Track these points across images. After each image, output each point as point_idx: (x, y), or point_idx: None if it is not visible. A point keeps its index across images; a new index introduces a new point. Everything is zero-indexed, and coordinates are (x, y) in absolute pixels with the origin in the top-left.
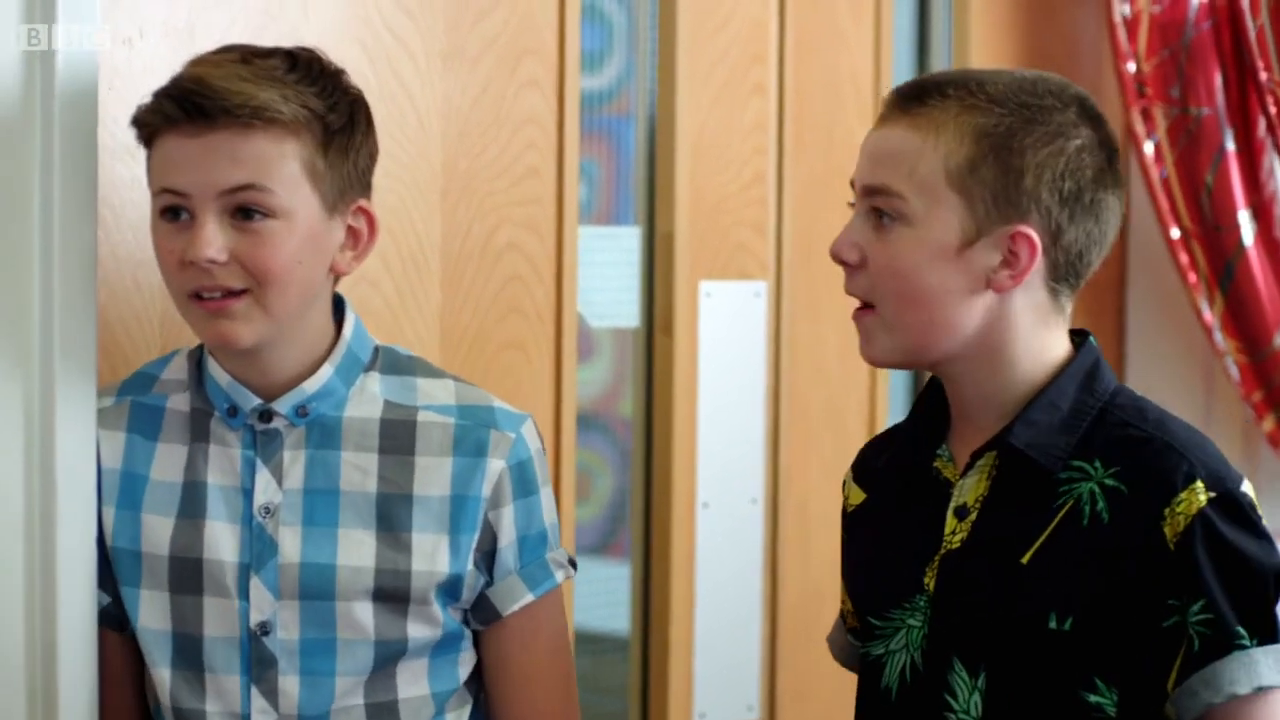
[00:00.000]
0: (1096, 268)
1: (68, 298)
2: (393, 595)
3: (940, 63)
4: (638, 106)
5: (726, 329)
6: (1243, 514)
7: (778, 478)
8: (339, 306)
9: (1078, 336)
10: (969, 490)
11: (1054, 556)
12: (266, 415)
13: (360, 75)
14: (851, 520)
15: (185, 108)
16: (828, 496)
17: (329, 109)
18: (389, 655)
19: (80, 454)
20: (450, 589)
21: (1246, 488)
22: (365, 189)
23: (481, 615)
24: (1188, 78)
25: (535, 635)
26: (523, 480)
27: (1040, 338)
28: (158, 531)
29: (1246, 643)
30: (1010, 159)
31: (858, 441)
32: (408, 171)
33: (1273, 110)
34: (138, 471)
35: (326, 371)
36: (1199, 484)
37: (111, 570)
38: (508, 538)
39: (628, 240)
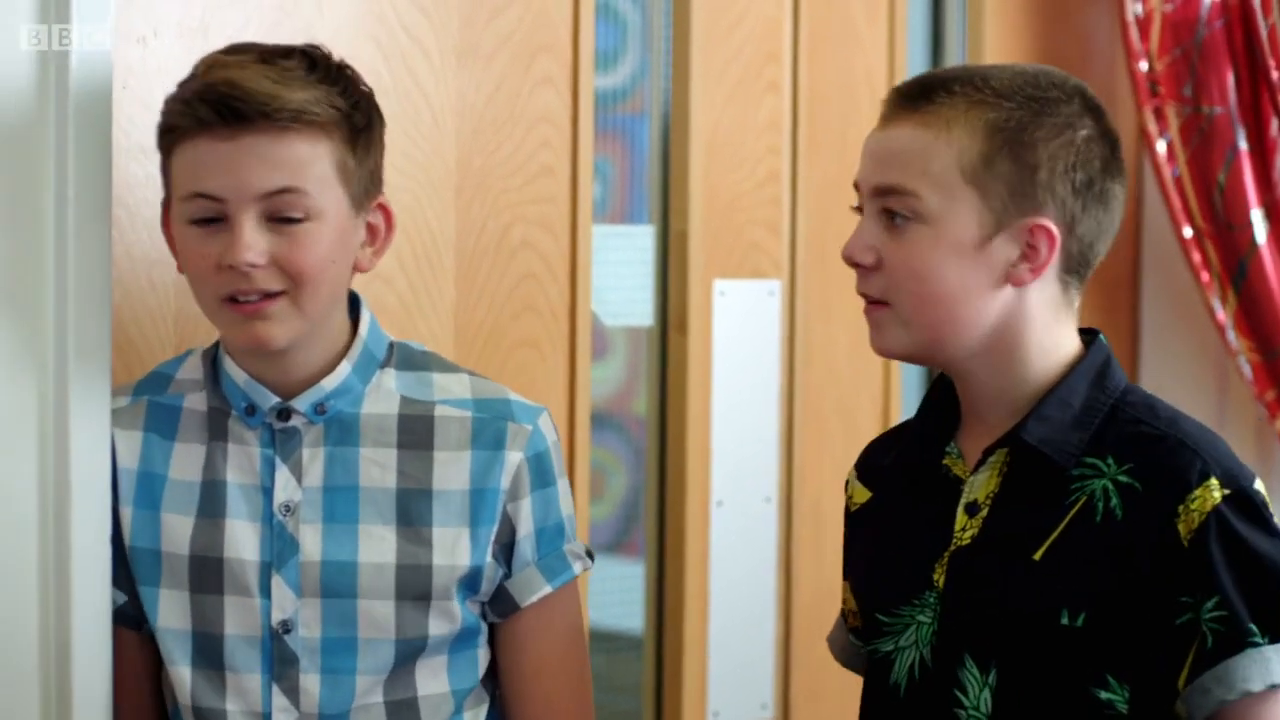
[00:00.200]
0: (1103, 258)
1: (82, 297)
2: (414, 591)
3: (954, 62)
4: (652, 105)
5: (740, 327)
6: (1256, 512)
7: (791, 476)
8: (354, 304)
9: (1087, 335)
10: (980, 487)
11: (1067, 553)
12: (284, 413)
13: (375, 72)
14: (856, 519)
15: (220, 111)
16: (841, 495)
17: (353, 108)
18: (409, 652)
19: (95, 453)
20: (470, 582)
21: (1259, 485)
22: (381, 185)
23: (499, 608)
24: (1200, 77)
25: (551, 627)
26: (540, 472)
27: (1053, 333)
28: (177, 531)
29: (1259, 640)
30: (1024, 152)
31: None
32: (422, 169)
33: None
34: (156, 471)
35: (344, 369)
36: (1213, 481)
37: (128, 569)
38: (526, 529)
39: (642, 239)
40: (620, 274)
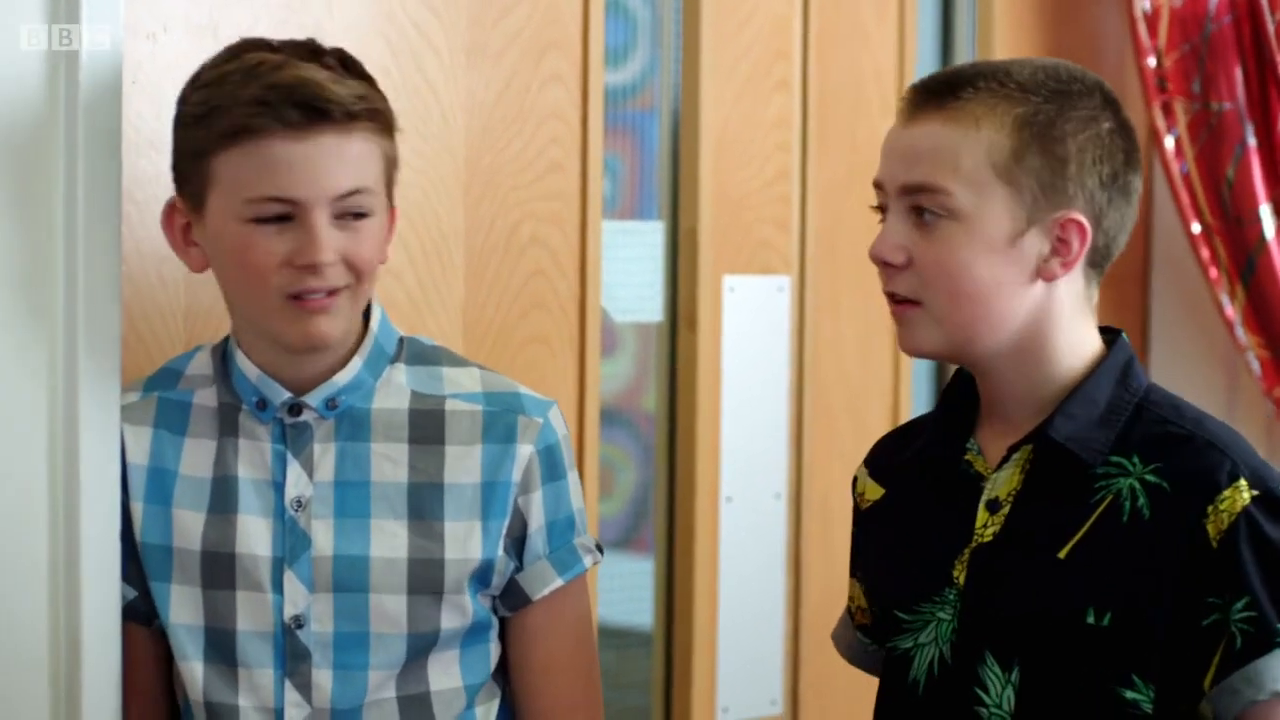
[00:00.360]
0: (1123, 250)
1: (92, 292)
2: (426, 585)
3: (964, 60)
4: (661, 101)
5: (749, 324)
6: None
7: (801, 472)
8: None
9: (1108, 334)
10: (1002, 484)
11: (1093, 551)
12: (296, 408)
13: (384, 70)
14: (868, 516)
15: (302, 110)
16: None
17: (386, 104)
18: (421, 647)
19: (104, 449)
20: (481, 576)
21: None
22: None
23: (510, 601)
24: (1208, 72)
25: (562, 620)
26: (551, 465)
27: (1078, 329)
28: (189, 526)
29: None
30: (1054, 146)
31: (881, 436)
32: (432, 166)
33: None
34: (167, 467)
35: (357, 364)
36: (1242, 482)
37: (139, 565)
38: (537, 522)
39: (651, 235)
40: (630, 270)
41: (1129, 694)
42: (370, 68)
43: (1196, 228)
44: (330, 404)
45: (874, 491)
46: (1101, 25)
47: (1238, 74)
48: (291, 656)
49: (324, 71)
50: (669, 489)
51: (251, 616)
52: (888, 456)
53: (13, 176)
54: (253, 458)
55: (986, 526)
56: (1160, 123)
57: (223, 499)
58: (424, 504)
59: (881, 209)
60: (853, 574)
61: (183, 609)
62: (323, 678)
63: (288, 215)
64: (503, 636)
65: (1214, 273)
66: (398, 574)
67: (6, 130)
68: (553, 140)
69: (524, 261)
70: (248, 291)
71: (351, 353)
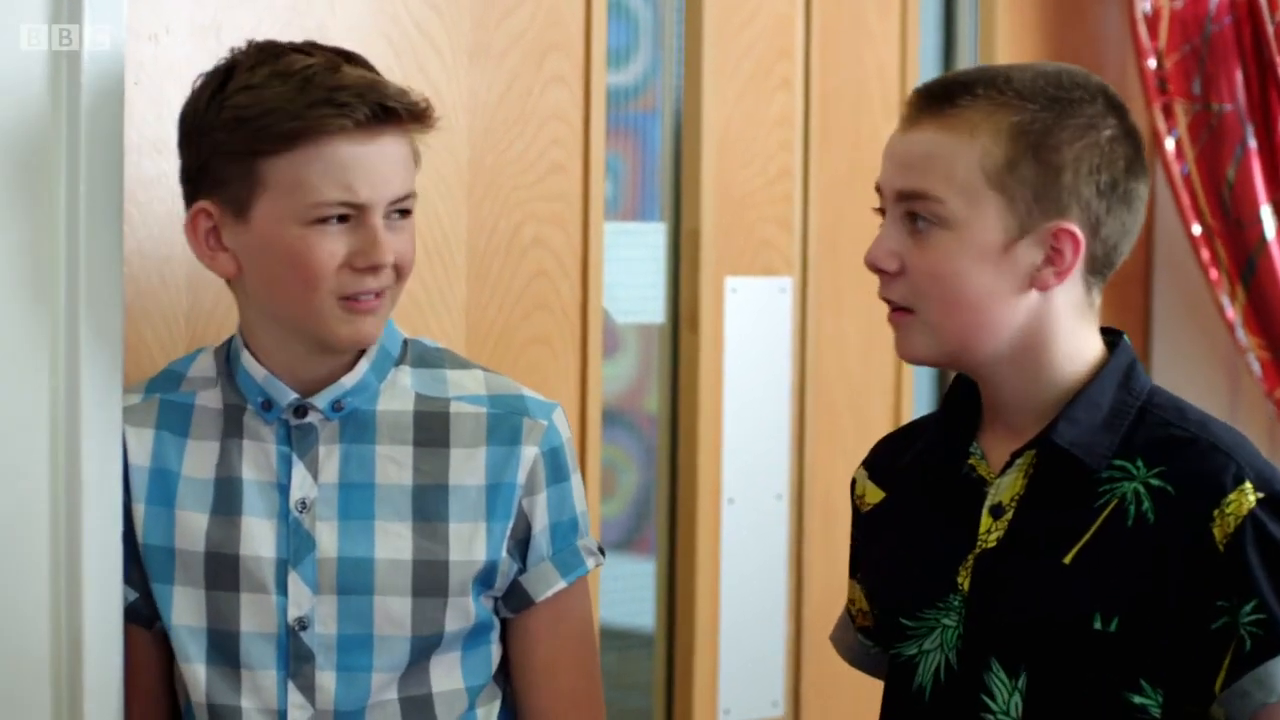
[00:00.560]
0: (1126, 258)
1: (94, 294)
2: (431, 587)
3: (966, 59)
4: (663, 102)
5: (752, 325)
6: None
7: (803, 473)
8: None
9: (1109, 335)
10: (1005, 489)
11: (1098, 556)
12: (301, 410)
13: (386, 71)
14: (869, 520)
15: (372, 109)
16: None
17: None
18: (424, 648)
19: (106, 451)
20: (485, 577)
21: None
22: None
23: (513, 603)
24: (1209, 73)
25: (565, 622)
26: (556, 467)
27: (1079, 335)
28: (192, 528)
29: None
30: (1049, 155)
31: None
32: (434, 167)
33: None
34: (169, 468)
35: (363, 366)
36: (1248, 485)
37: (140, 567)
38: (541, 524)
39: (653, 236)
40: (632, 271)
41: (1137, 699)
42: None
43: (1197, 229)
44: (336, 406)
45: (874, 494)
46: (1105, 26)
47: (1238, 75)
48: (295, 658)
49: (372, 73)
50: (671, 490)
51: (255, 618)
52: (888, 459)
53: (14, 178)
54: (257, 459)
55: (990, 532)
56: (1161, 124)
57: (227, 500)
58: (429, 506)
59: (882, 213)
60: (852, 575)
61: (185, 610)
62: (326, 679)
63: (346, 216)
64: (504, 638)
65: (1214, 274)
66: (402, 576)
67: (8, 131)
68: (555, 141)
69: (526, 263)
70: (298, 293)
71: (358, 355)
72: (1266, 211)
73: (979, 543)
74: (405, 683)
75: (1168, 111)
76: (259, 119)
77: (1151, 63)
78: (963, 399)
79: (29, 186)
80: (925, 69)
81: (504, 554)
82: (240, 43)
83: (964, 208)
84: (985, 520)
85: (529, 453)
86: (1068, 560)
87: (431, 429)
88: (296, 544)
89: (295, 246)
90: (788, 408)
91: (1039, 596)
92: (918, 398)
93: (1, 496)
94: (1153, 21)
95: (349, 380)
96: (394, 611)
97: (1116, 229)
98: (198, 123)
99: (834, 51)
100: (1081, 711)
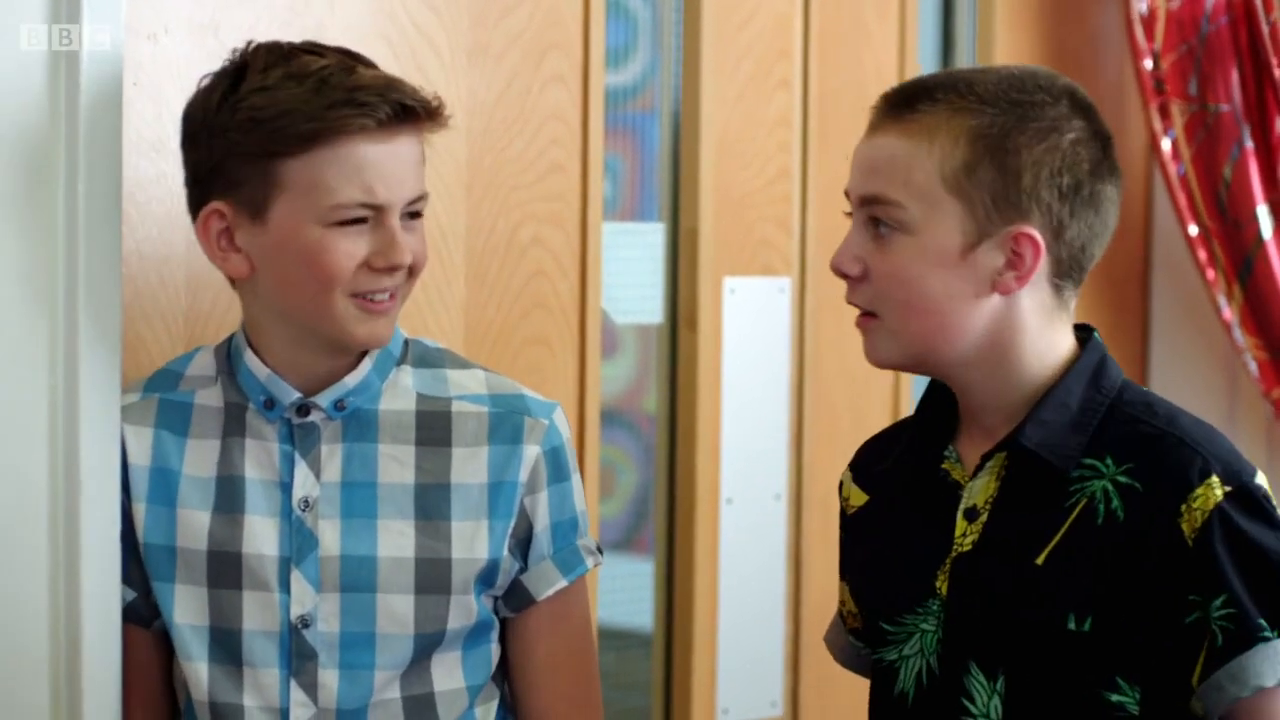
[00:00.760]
0: (1098, 260)
1: (93, 294)
2: (434, 585)
3: (964, 59)
4: (662, 102)
5: (750, 325)
6: (1259, 506)
7: (801, 473)
8: None
9: (1082, 332)
10: (978, 492)
11: (1069, 556)
12: (304, 409)
13: (385, 70)
14: (853, 523)
15: (393, 108)
16: None
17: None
18: (426, 646)
19: (105, 451)
20: (486, 576)
21: (1261, 479)
22: None
23: (514, 601)
24: (1205, 74)
25: (564, 621)
26: (556, 466)
27: (1046, 337)
28: (194, 527)
29: (1270, 635)
30: (1007, 159)
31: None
32: (432, 167)
33: None
34: (170, 467)
35: (365, 366)
36: (1214, 479)
37: (140, 566)
38: (542, 523)
39: (652, 236)
40: (630, 271)
41: (1115, 697)
42: None
43: (1194, 229)
44: (338, 405)
45: (858, 497)
46: (1104, 26)
47: (1234, 76)
48: (297, 656)
49: (385, 73)
50: (669, 490)
51: (258, 616)
52: (871, 462)
53: (13, 178)
54: (259, 458)
55: (966, 535)
56: (1157, 124)
57: (229, 499)
58: (431, 504)
59: (851, 217)
60: (842, 577)
61: (187, 609)
62: (329, 677)
63: (364, 218)
64: (503, 637)
65: (1211, 274)
66: (405, 574)
67: (7, 131)
68: (553, 141)
69: (525, 262)
70: (314, 294)
71: (361, 355)
72: (1263, 211)
73: (955, 546)
74: (407, 681)
75: (1164, 112)
76: (275, 120)
77: (1148, 63)
78: (940, 402)
79: (28, 187)
80: (924, 70)
81: (505, 552)
82: (239, 43)
83: (923, 213)
84: (960, 524)
85: (531, 452)
86: (1040, 561)
87: (433, 428)
88: (299, 542)
89: (314, 248)
90: (786, 408)
91: (1013, 599)
92: (916, 398)
93: (0, 496)
94: (1149, 22)
95: (352, 380)
96: (397, 609)
97: (1082, 231)
98: (209, 124)
99: (833, 52)
100: (1060, 712)
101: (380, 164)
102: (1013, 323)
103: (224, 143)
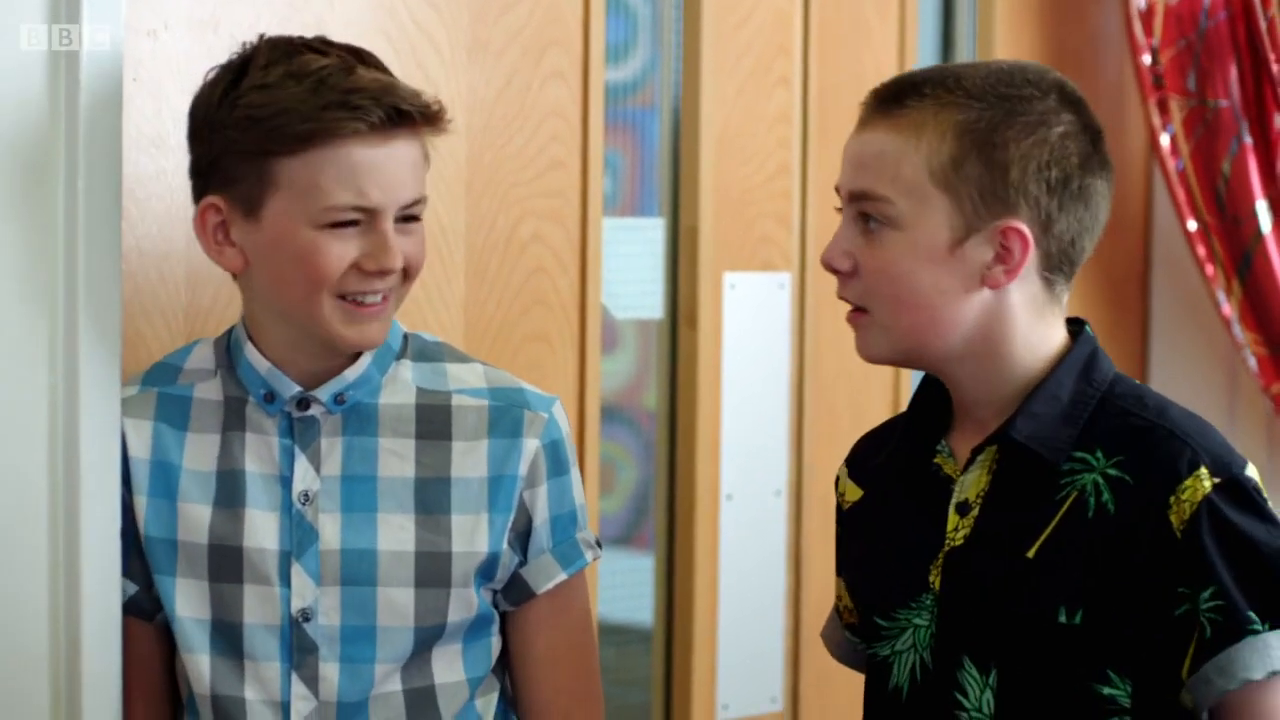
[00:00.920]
0: (1090, 254)
1: (93, 290)
2: (434, 578)
3: (964, 56)
4: (662, 99)
5: (751, 321)
6: (1248, 498)
7: (801, 469)
8: None
9: (1074, 326)
10: (970, 486)
11: (1060, 549)
12: (304, 403)
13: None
14: (849, 518)
15: (387, 112)
16: None
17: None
18: (427, 640)
19: (105, 446)
20: (487, 569)
21: (1251, 471)
22: None
23: (514, 595)
24: (1204, 69)
25: (564, 614)
26: (556, 459)
27: (1037, 331)
28: (195, 520)
29: (1259, 627)
30: (994, 153)
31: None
32: (432, 164)
33: None
34: (170, 461)
35: (365, 360)
36: (1203, 470)
37: (142, 559)
38: (541, 517)
39: (652, 232)
40: (630, 267)
41: (1106, 690)
42: None
43: (1193, 225)
44: (338, 399)
45: (853, 492)
46: (1103, 22)
47: (1233, 71)
48: (298, 649)
49: (386, 75)
50: (669, 486)
51: (259, 610)
52: (866, 457)
53: (14, 177)
54: (260, 452)
55: (958, 529)
56: (1156, 120)
57: (229, 493)
58: (431, 498)
59: (841, 213)
60: (839, 573)
61: (189, 602)
62: (329, 670)
63: (357, 220)
64: (503, 631)
65: (1210, 270)
66: (405, 567)
67: (7, 130)
68: (553, 137)
69: (525, 258)
70: (303, 293)
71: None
72: (1262, 207)
73: (947, 541)
74: (408, 674)
75: (1163, 107)
76: (272, 119)
77: (1146, 59)
78: (933, 396)
79: (28, 186)
80: (924, 66)
81: (505, 546)
82: (239, 39)
83: (911, 208)
84: (952, 518)
85: (530, 445)
86: (1031, 555)
87: (433, 422)
88: (299, 536)
89: (306, 248)
90: (786, 403)
91: (1004, 593)
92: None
93: (0, 492)
94: (1147, 17)
95: (351, 374)
96: (397, 603)
97: (1072, 225)
98: (209, 118)
99: (832, 48)
100: (1051, 705)
101: (374, 167)
102: (1003, 316)
103: (222, 139)
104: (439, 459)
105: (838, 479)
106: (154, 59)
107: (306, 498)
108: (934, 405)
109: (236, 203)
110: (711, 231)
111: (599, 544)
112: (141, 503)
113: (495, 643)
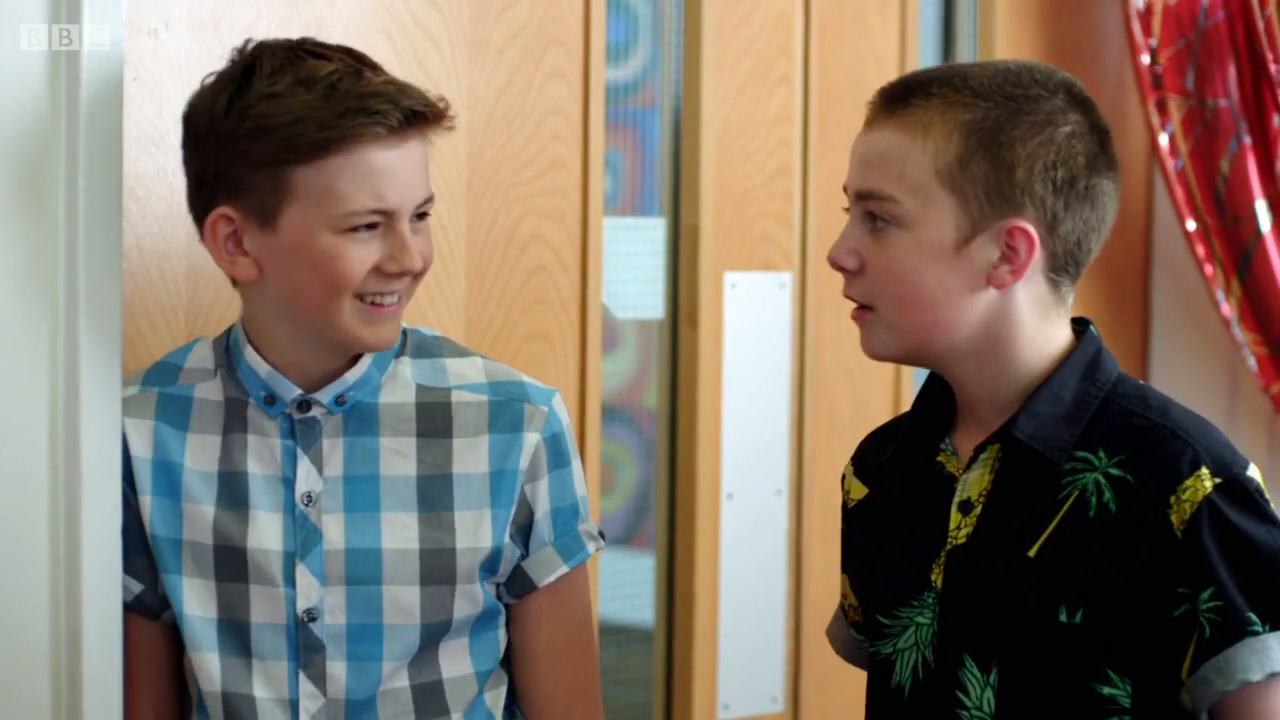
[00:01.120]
0: (1096, 254)
1: (93, 289)
2: (438, 575)
3: (965, 55)
4: (663, 98)
5: (751, 320)
6: (1249, 499)
7: (802, 469)
8: None
9: (1078, 325)
10: (972, 484)
11: (1062, 549)
12: (304, 405)
13: (385, 66)
14: (854, 515)
15: (404, 114)
16: None
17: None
18: (433, 635)
19: (106, 445)
20: (490, 564)
21: (1253, 472)
22: None
23: (516, 588)
24: (1202, 69)
25: (564, 606)
26: (557, 453)
27: (1042, 331)
28: (200, 520)
29: (1258, 628)
30: (1000, 153)
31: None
32: (433, 163)
33: None
34: (172, 460)
35: (365, 361)
36: (1204, 470)
37: (149, 558)
38: (543, 510)
39: (652, 231)
40: (631, 267)
41: (1106, 690)
42: None
43: (1192, 224)
44: (339, 400)
45: (858, 490)
46: (1104, 21)
47: (1231, 71)
48: (305, 649)
49: (390, 77)
50: (670, 485)
51: (265, 609)
52: (871, 455)
53: (14, 176)
54: (261, 453)
55: (960, 528)
56: (1155, 120)
57: (232, 494)
58: (433, 495)
59: (849, 212)
60: (843, 570)
61: (197, 601)
62: (337, 669)
63: (375, 224)
64: (505, 624)
65: (1210, 269)
66: (410, 565)
67: (8, 130)
68: (554, 136)
69: (525, 258)
70: (323, 298)
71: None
72: (1261, 206)
73: (949, 539)
74: (415, 669)
75: (1161, 107)
76: (286, 128)
77: (1145, 58)
78: (937, 395)
79: (29, 185)
80: (924, 65)
81: (507, 540)
82: (239, 38)
83: (917, 207)
84: (955, 517)
85: (531, 439)
86: (1032, 554)
87: (434, 419)
88: (303, 537)
89: (326, 254)
90: (787, 403)
91: (1006, 592)
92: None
93: (1, 491)
94: (1146, 17)
95: (352, 375)
96: (403, 600)
97: (1078, 225)
98: (215, 130)
99: (833, 48)
100: (1051, 704)
101: (391, 170)
102: (1008, 316)
103: (232, 149)
104: (440, 456)
105: (843, 476)
106: (154, 58)
107: (309, 499)
108: (938, 404)
109: (250, 212)
110: (712, 231)
111: (602, 534)
112: (147, 502)
113: (502, 636)
